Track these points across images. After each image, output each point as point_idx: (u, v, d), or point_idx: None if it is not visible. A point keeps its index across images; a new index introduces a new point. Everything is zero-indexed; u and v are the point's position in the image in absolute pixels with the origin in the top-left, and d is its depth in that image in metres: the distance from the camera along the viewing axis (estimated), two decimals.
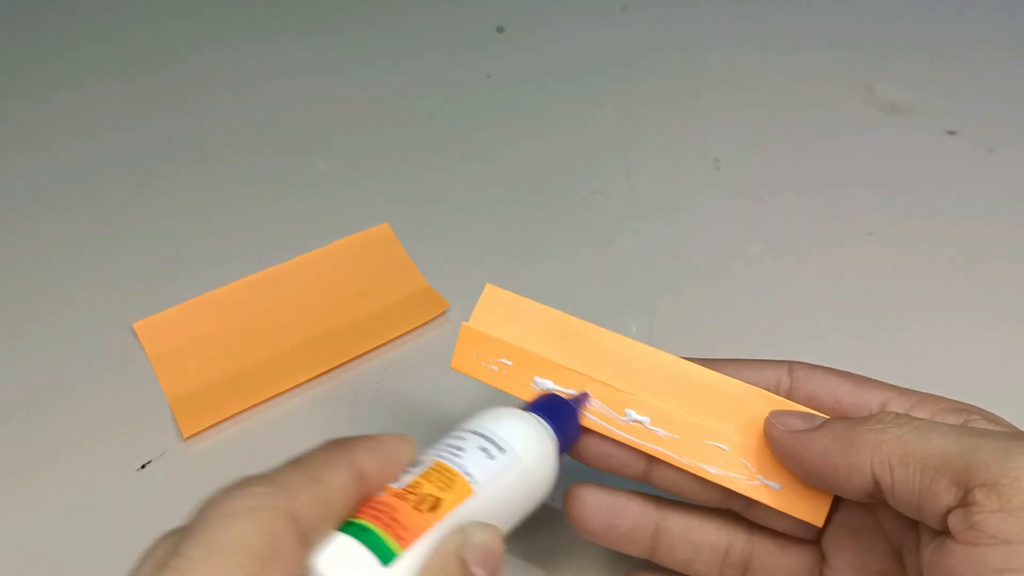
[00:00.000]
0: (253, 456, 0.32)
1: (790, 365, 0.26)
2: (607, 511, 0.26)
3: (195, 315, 0.37)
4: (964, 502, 0.20)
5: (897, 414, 0.22)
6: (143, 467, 0.32)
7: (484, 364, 0.27)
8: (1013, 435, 0.20)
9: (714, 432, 0.25)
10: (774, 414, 0.24)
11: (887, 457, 0.21)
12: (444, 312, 0.38)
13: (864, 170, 0.45)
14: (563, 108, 0.49)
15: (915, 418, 0.22)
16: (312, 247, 0.40)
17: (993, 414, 0.23)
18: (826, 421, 0.23)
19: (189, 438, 0.33)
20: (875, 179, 0.45)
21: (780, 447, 0.24)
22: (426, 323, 0.37)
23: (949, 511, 0.20)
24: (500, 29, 0.55)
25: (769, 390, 0.25)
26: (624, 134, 0.48)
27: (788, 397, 0.25)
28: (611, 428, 0.26)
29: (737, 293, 0.39)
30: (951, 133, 0.47)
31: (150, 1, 0.58)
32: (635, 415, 0.26)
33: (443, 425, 0.33)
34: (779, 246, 0.41)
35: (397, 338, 0.37)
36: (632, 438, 0.25)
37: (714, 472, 0.25)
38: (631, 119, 0.49)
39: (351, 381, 0.35)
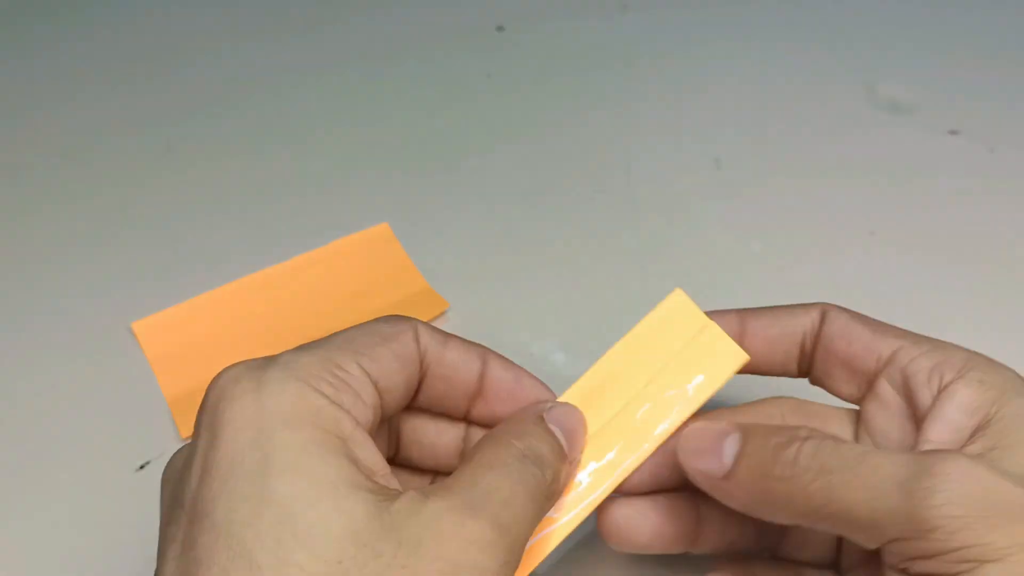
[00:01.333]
0: None
1: (823, 308, 0.26)
2: (653, 523, 0.25)
3: (194, 315, 0.37)
4: (884, 548, 0.20)
5: (802, 442, 0.21)
6: (142, 467, 0.32)
7: None
8: (916, 472, 0.20)
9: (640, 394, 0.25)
10: (682, 453, 0.23)
11: (798, 515, 0.21)
12: (444, 312, 0.38)
13: (865, 169, 0.45)
14: (563, 108, 0.49)
15: (821, 447, 0.21)
16: (311, 247, 0.40)
17: (991, 366, 0.23)
18: (733, 466, 0.22)
19: (188, 438, 0.33)
20: (876, 178, 0.45)
21: (707, 490, 0.23)
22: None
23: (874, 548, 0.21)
24: (500, 28, 0.55)
25: (799, 334, 0.26)
26: (624, 134, 0.47)
27: (815, 341, 0.26)
28: (579, 506, 0.24)
29: (737, 293, 0.39)
30: (953, 132, 0.47)
31: (149, 0, 0.58)
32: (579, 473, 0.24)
33: None
34: (779, 245, 0.41)
35: None
36: (603, 487, 0.24)
37: (673, 417, 0.24)
38: (631, 119, 0.48)
39: None
